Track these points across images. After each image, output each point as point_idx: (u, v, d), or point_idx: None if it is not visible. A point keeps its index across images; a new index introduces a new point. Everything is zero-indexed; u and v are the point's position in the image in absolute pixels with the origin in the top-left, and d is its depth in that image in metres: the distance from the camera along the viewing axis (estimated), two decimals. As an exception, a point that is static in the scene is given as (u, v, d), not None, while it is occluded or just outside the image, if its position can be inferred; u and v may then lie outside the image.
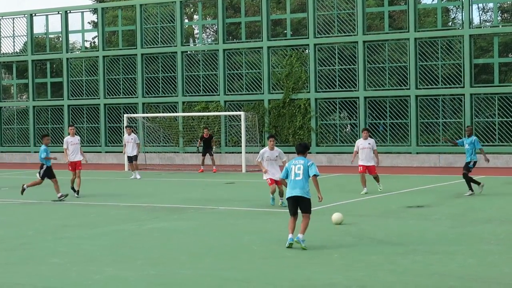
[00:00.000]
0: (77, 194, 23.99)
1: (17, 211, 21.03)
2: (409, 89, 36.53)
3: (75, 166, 24.31)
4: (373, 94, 37.30)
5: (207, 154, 34.44)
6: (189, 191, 25.79)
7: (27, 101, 46.24)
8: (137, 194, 24.79)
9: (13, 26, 45.93)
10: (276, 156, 20.09)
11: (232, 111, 39.62)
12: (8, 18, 46.25)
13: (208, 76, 41.11)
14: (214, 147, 35.32)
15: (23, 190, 23.29)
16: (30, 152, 44.99)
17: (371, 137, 24.77)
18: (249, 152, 35.99)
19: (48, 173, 23.23)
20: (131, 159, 32.00)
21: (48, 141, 23.68)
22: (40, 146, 44.21)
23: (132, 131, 32.54)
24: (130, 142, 32.03)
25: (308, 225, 14.13)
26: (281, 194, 20.01)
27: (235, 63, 40.42)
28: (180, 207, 20.91)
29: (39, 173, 23.30)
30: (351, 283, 11.03)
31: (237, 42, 41.73)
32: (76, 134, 24.99)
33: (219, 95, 40.37)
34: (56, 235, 16.24)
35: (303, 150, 14.70)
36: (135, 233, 16.37)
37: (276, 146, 21.81)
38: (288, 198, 14.37)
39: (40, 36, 47.15)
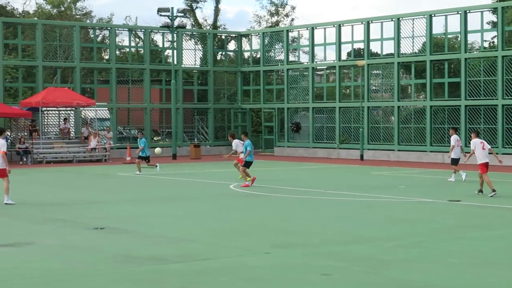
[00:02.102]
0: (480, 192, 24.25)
1: (411, 209, 21.33)
2: None
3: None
4: None
5: None
6: None
7: (424, 101, 46.69)
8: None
9: (413, 26, 46.70)
10: None
11: None
12: (408, 19, 47.10)
13: None
14: None
15: None
16: (426, 151, 45.37)
17: None
18: None
19: None
20: None
21: None
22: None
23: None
24: None
25: None
26: None
27: None
28: None
29: None
30: None
31: None
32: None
33: None
34: (451, 235, 16.23)
35: None
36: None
37: None
38: None
39: (438, 36, 47.44)
